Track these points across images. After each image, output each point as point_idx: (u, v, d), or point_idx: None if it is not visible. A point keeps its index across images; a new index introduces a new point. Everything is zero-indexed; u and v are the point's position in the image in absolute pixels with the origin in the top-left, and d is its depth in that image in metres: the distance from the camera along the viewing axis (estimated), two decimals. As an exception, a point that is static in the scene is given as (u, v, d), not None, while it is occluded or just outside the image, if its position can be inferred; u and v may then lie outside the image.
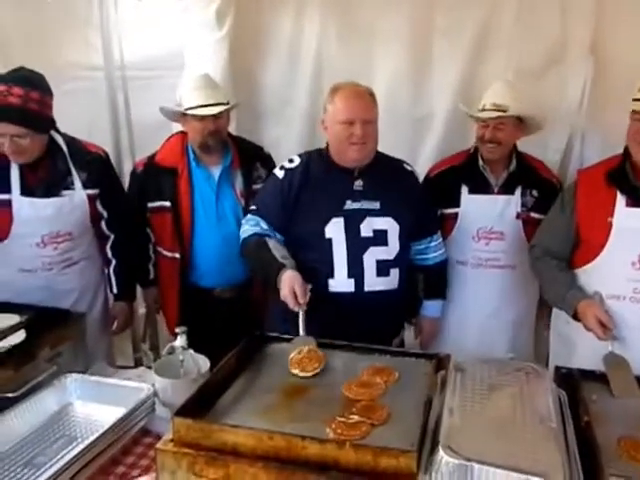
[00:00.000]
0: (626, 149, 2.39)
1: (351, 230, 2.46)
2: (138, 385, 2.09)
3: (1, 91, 2.39)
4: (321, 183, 2.50)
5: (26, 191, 2.59)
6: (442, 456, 1.47)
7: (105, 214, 2.84)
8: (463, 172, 2.95)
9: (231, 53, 3.42)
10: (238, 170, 3.01)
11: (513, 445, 1.54)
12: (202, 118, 2.83)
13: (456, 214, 2.94)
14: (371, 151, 2.48)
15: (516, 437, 1.58)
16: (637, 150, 2.31)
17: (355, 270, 2.46)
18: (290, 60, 3.50)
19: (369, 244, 2.47)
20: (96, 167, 2.76)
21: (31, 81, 2.46)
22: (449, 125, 3.35)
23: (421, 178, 2.98)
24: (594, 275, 2.42)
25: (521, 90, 2.91)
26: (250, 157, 3.05)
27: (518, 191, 2.90)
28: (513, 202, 2.90)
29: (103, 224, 2.87)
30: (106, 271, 2.94)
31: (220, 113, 2.85)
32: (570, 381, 1.99)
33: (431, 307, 2.86)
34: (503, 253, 2.93)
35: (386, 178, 2.55)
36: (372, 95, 2.47)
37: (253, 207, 2.59)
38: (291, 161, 2.57)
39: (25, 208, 2.58)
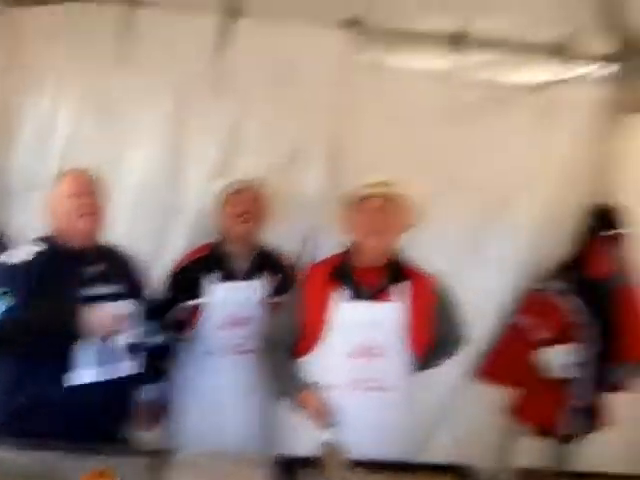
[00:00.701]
0: (350, 247, 2.63)
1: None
2: None
3: None
4: (57, 272, 2.44)
5: None
6: None
7: None
8: (208, 263, 3.03)
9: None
10: None
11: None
12: None
13: (202, 305, 3.00)
14: (99, 221, 2.54)
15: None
16: (367, 238, 2.55)
17: (105, 358, 2.45)
18: (39, 142, 3.41)
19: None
20: None
21: None
22: (198, 220, 3.41)
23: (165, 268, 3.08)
24: (314, 364, 2.58)
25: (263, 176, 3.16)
26: None
27: (262, 277, 3.05)
28: (258, 288, 3.04)
29: None
30: None
31: None
32: (290, 469, 2.14)
33: (151, 390, 2.85)
34: (248, 339, 2.98)
35: (116, 262, 2.62)
36: (96, 179, 2.58)
37: None
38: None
39: None
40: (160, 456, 2.08)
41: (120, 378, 2.49)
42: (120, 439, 2.58)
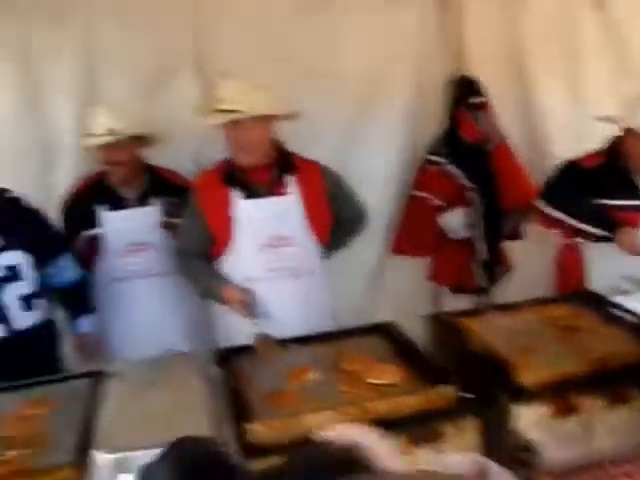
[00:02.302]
0: None
1: None
2: None
3: None
4: None
5: None
6: (96, 455, 1.55)
7: None
8: (96, 193, 3.01)
9: None
10: None
11: (166, 427, 1.66)
12: None
13: (99, 234, 2.99)
14: None
15: (170, 421, 1.71)
16: (237, 155, 2.58)
17: (0, 312, 2.40)
18: None
19: (4, 283, 2.43)
20: None
21: None
22: (80, 152, 3.27)
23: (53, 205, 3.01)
24: (231, 263, 2.64)
25: (131, 109, 3.05)
26: None
27: (155, 201, 3.04)
28: (152, 212, 3.03)
29: None
30: None
31: None
32: (227, 358, 2.19)
33: (83, 323, 2.83)
34: (155, 262, 3.03)
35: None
36: None
37: None
38: None
39: None
40: (92, 376, 2.09)
41: (24, 330, 2.46)
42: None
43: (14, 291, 2.44)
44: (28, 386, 2.12)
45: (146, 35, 3.27)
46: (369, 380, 1.93)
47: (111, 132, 2.85)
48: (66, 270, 2.74)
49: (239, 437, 1.68)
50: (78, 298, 2.83)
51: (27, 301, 2.47)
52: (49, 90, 3.30)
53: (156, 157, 3.16)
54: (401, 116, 3.57)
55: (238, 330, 2.57)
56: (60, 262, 2.72)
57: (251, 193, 2.61)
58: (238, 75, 2.65)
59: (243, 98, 2.48)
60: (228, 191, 2.61)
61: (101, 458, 1.55)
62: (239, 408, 1.81)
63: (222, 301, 2.61)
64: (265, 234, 2.60)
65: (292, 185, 2.62)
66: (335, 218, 2.71)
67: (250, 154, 2.55)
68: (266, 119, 2.52)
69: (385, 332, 2.31)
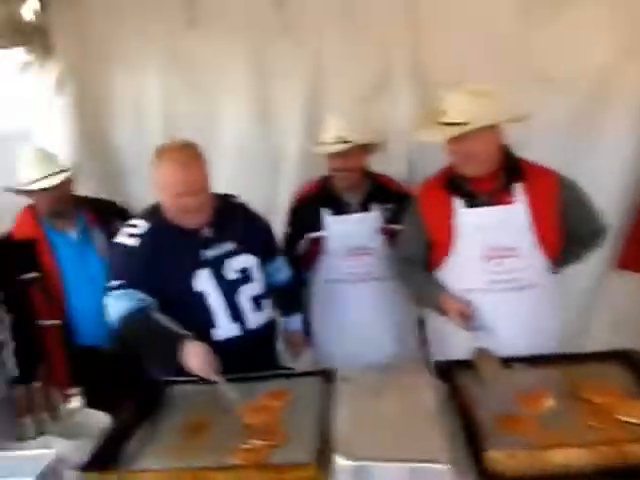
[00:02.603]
0: None
1: (218, 277, 2.48)
2: (41, 452, 2.08)
3: None
4: (172, 240, 2.44)
5: None
6: (338, 461, 1.60)
7: (2, 296, 2.85)
8: (322, 197, 3.11)
9: (79, 119, 3.51)
10: (96, 228, 3.07)
11: (402, 440, 1.70)
12: (44, 190, 2.89)
13: (323, 237, 3.09)
14: (206, 213, 2.46)
15: (404, 432, 1.74)
16: (456, 165, 2.52)
17: (236, 314, 2.50)
18: (137, 119, 3.60)
19: (238, 285, 2.53)
20: None
21: None
22: (302, 158, 3.51)
23: (284, 212, 3.20)
24: (450, 273, 2.60)
25: (356, 118, 3.09)
26: (105, 213, 3.12)
27: (376, 207, 3.09)
28: (373, 218, 3.08)
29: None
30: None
31: (60, 182, 2.92)
32: (449, 372, 2.16)
33: (293, 321, 2.97)
34: (373, 266, 3.10)
35: (226, 217, 2.57)
36: (198, 157, 2.39)
37: (116, 283, 2.39)
38: (136, 226, 2.47)
39: None
40: (323, 375, 2.17)
41: (255, 329, 2.56)
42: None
43: (247, 292, 2.55)
44: (266, 378, 2.25)
45: (366, 48, 3.39)
46: (619, 417, 1.80)
47: (342, 140, 2.93)
48: (280, 270, 2.87)
49: (476, 462, 1.65)
50: (290, 297, 2.96)
51: (257, 301, 2.58)
52: (278, 103, 3.52)
53: (372, 164, 3.20)
54: (636, 119, 3.34)
55: (454, 342, 2.56)
56: (276, 263, 2.85)
57: (474, 201, 2.54)
58: (460, 83, 2.54)
59: (467, 108, 2.39)
60: (450, 199, 2.56)
61: (342, 464, 1.60)
62: (472, 430, 1.78)
63: (440, 311, 2.58)
64: (487, 244, 2.51)
65: (520, 193, 2.50)
66: (572, 231, 2.55)
67: (477, 166, 2.47)
68: (492, 128, 2.42)
69: (624, 359, 2.16)
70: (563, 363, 2.21)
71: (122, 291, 2.36)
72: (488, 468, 1.62)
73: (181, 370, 2.19)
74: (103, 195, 3.39)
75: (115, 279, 2.41)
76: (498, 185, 2.52)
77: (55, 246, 3.02)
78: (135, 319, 2.30)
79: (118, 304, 2.35)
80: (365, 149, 3.03)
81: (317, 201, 3.11)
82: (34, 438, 2.60)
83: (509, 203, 2.51)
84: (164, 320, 2.29)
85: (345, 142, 2.93)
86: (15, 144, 3.42)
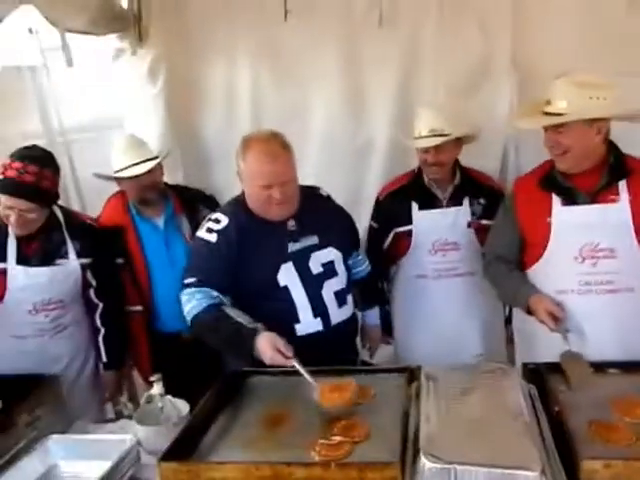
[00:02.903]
0: None
1: (302, 271, 2.43)
2: (120, 437, 2.09)
3: (17, 168, 2.50)
4: (256, 234, 2.40)
5: (22, 260, 2.65)
6: (424, 463, 1.53)
7: (94, 283, 2.89)
8: (411, 190, 3.06)
9: (169, 107, 3.51)
10: (182, 215, 3.10)
11: (490, 443, 1.61)
12: (134, 177, 2.93)
13: (410, 231, 3.04)
14: (294, 203, 2.42)
15: (492, 435, 1.65)
16: (553, 159, 2.41)
17: (319, 309, 2.45)
18: (227, 108, 3.58)
19: (323, 279, 2.48)
20: (89, 237, 2.84)
21: (44, 160, 2.58)
22: (390, 150, 3.44)
23: (368, 201, 3.13)
24: (542, 273, 2.50)
25: (451, 110, 3.03)
26: (192, 201, 3.15)
27: (466, 201, 3.01)
28: (462, 213, 3.01)
29: (92, 293, 2.91)
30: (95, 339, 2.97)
31: (149, 170, 2.96)
32: (538, 375, 2.06)
33: (372, 315, 2.92)
34: (460, 262, 3.04)
35: (312, 211, 2.51)
36: (286, 148, 2.35)
37: (191, 280, 2.38)
38: (217, 221, 2.43)
39: (19, 276, 2.64)
40: (407, 372, 2.10)
41: (338, 325, 2.51)
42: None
43: (331, 287, 2.50)
44: (347, 373, 2.19)
45: (464, 36, 3.29)
46: None
47: (436, 133, 2.87)
48: (360, 264, 2.82)
49: (569, 471, 1.56)
50: (369, 291, 2.91)
51: (341, 296, 2.53)
52: (370, 93, 3.46)
53: (465, 158, 3.12)
54: None
55: (541, 344, 2.47)
56: (358, 256, 2.82)
57: (573, 199, 2.41)
58: (565, 73, 2.42)
59: (571, 99, 2.27)
60: (547, 196, 2.44)
61: (428, 466, 1.53)
62: (564, 437, 1.68)
63: (529, 311, 2.46)
64: (584, 244, 2.39)
65: (624, 192, 2.36)
66: None
67: (572, 161, 2.35)
68: (593, 122, 2.28)
69: None
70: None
71: (196, 289, 2.35)
72: (582, 478, 1.53)
73: (259, 362, 2.17)
74: (190, 184, 3.41)
75: (191, 275, 2.39)
76: (600, 182, 2.38)
77: (142, 233, 3.07)
78: (208, 317, 2.29)
79: (191, 302, 2.34)
80: (459, 142, 2.96)
81: (406, 194, 3.05)
82: (114, 421, 2.64)
83: (611, 202, 2.37)
84: (236, 315, 2.25)
85: (439, 135, 2.86)
86: (109, 132, 3.51)
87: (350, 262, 2.72)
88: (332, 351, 2.38)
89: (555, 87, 2.34)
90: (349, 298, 2.59)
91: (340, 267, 2.54)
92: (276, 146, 2.33)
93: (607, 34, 3.09)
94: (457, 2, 3.29)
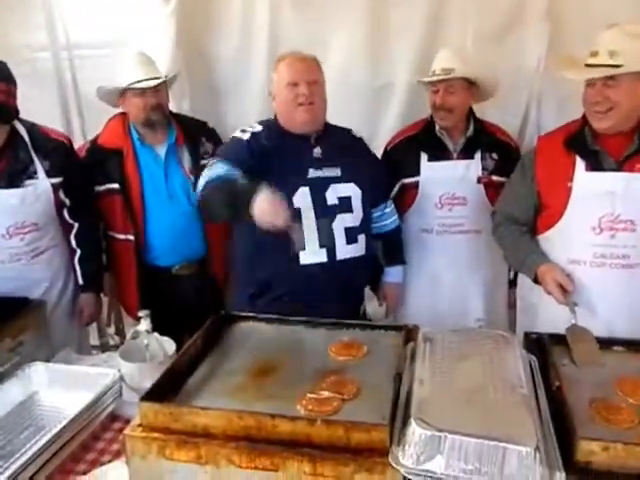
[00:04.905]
0: (585, 114, 2.36)
1: (318, 199, 2.43)
2: (104, 371, 2.06)
3: None
4: (282, 152, 2.44)
5: None
6: (414, 428, 1.46)
7: (68, 202, 2.82)
8: (420, 140, 2.95)
9: (181, 29, 3.36)
10: (184, 146, 3.00)
11: (485, 413, 1.53)
12: (143, 92, 2.83)
13: (417, 183, 2.93)
14: (320, 112, 2.48)
15: (487, 405, 1.57)
16: (592, 117, 2.28)
17: (326, 239, 2.42)
18: (243, 33, 3.43)
19: (336, 212, 2.45)
20: (59, 155, 2.74)
21: None
22: (409, 95, 3.32)
23: (381, 148, 3.01)
24: (556, 240, 2.41)
25: (472, 54, 2.94)
26: (194, 132, 3.05)
27: (477, 155, 2.90)
28: (473, 166, 2.90)
29: (66, 213, 2.84)
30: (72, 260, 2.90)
31: (159, 85, 2.86)
32: (540, 346, 1.98)
33: (393, 273, 2.87)
34: (467, 218, 2.95)
35: (341, 145, 2.55)
36: (316, 60, 2.50)
37: (218, 156, 2.47)
38: (252, 126, 2.52)
39: None
40: (404, 331, 2.02)
41: (343, 261, 2.47)
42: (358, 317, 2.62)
43: (343, 221, 2.46)
44: (341, 326, 2.11)
45: None
46: None
47: (447, 72, 2.76)
48: (387, 217, 2.76)
49: (564, 450, 1.48)
50: (395, 247, 2.84)
51: (352, 233, 2.48)
52: (393, 31, 3.30)
53: (487, 111, 3.02)
54: None
55: (548, 315, 2.40)
56: (386, 208, 2.75)
57: (598, 164, 2.30)
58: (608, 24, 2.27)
59: (622, 49, 2.13)
60: (571, 159, 2.33)
61: (418, 432, 1.46)
62: (563, 414, 1.60)
63: (536, 280, 2.39)
64: (603, 214, 2.30)
65: None
66: None
67: (617, 119, 2.22)
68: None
69: None
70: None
71: (220, 163, 2.37)
72: (578, 459, 1.46)
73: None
74: (197, 113, 3.30)
75: (218, 155, 2.48)
76: (630, 148, 2.27)
77: (141, 159, 2.95)
78: (221, 181, 2.29)
79: (211, 171, 2.36)
80: (471, 87, 2.83)
81: (416, 144, 2.94)
82: (100, 351, 2.60)
83: (638, 171, 2.26)
84: (245, 179, 2.25)
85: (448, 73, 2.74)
86: (116, 50, 3.38)
87: (377, 214, 2.70)
88: (335, 289, 2.40)
89: (605, 37, 2.20)
90: (361, 238, 2.53)
91: (357, 204, 2.51)
92: (307, 55, 2.51)
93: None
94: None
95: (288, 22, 3.37)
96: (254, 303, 2.48)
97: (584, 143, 2.33)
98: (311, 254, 2.41)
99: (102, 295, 3.08)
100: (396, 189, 2.97)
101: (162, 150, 2.96)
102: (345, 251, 2.46)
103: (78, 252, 2.87)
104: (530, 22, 3.15)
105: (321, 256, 2.43)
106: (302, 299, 2.32)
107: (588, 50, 2.25)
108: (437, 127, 2.91)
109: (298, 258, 2.40)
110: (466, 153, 2.91)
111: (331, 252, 2.43)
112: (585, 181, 2.31)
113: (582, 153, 2.32)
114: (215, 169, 2.35)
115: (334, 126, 2.61)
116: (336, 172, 2.48)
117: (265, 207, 2.07)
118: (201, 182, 2.37)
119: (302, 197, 2.41)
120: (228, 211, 2.26)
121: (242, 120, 3.02)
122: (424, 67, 3.07)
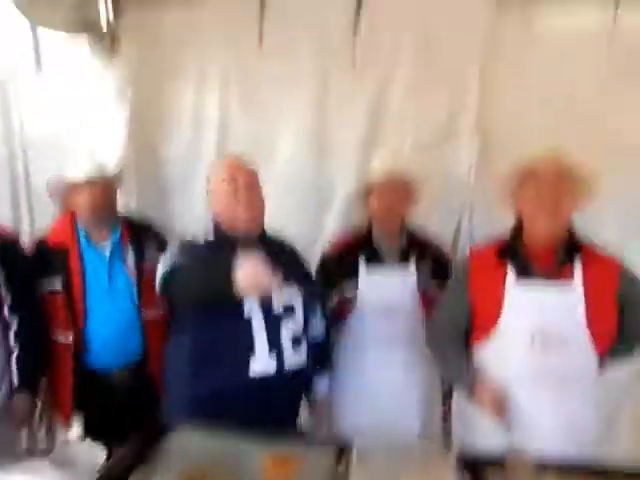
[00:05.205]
0: (517, 224, 2.43)
1: (265, 308, 2.38)
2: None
3: None
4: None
5: None
6: None
7: (9, 299, 2.74)
8: (355, 251, 2.93)
9: (133, 128, 3.43)
10: (128, 245, 2.97)
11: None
12: (92, 186, 2.83)
13: (355, 294, 2.90)
14: (260, 213, 2.46)
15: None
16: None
17: (275, 349, 2.38)
18: (192, 134, 3.51)
19: (281, 320, 2.41)
20: (2, 250, 2.69)
21: None
22: (350, 196, 3.34)
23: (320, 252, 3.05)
24: (490, 351, 2.40)
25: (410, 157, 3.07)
26: (139, 232, 3.03)
27: (412, 266, 2.91)
28: (409, 277, 2.90)
29: (5, 310, 2.74)
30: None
31: (107, 182, 2.90)
32: (475, 468, 1.96)
33: (321, 383, 2.76)
34: (404, 331, 2.88)
35: (278, 250, 2.51)
36: (253, 167, 2.51)
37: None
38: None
39: None
40: (336, 446, 2.00)
41: (290, 371, 2.42)
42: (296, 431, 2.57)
43: (289, 330, 2.43)
44: (276, 439, 2.06)
45: (432, 94, 3.31)
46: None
47: (387, 171, 2.84)
48: (318, 323, 2.70)
49: None
50: (322, 356, 2.75)
51: (297, 342, 2.45)
52: (335, 139, 3.43)
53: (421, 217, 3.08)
54: None
55: (483, 434, 2.38)
56: (316, 313, 2.68)
57: (528, 274, 2.34)
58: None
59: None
60: (502, 271, 2.37)
61: None
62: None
63: (472, 397, 2.38)
64: (534, 328, 2.29)
65: (578, 274, 2.31)
66: (624, 326, 2.34)
67: (552, 216, 2.28)
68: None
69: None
70: (602, 475, 1.98)
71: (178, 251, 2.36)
72: None
73: None
74: (142, 211, 3.31)
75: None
76: (556, 260, 2.33)
77: (86, 257, 2.91)
78: (190, 259, 2.29)
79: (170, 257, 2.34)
80: (407, 191, 2.89)
81: (350, 255, 2.93)
82: (28, 454, 2.49)
83: (565, 284, 2.30)
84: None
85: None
86: (66, 143, 3.39)
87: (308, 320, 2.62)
88: (281, 401, 2.36)
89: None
90: (304, 346, 2.49)
91: (299, 310, 2.48)
92: (244, 161, 2.52)
93: (575, 113, 3.13)
94: (428, 59, 3.30)
95: (236, 119, 3.47)
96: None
97: (515, 254, 2.38)
98: (261, 363, 2.36)
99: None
100: (333, 300, 2.92)
101: (107, 248, 2.93)
102: (292, 361, 2.42)
103: (15, 351, 2.76)
104: (461, 134, 3.33)
105: (270, 366, 2.37)
106: (248, 414, 2.24)
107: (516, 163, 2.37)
108: (374, 233, 2.94)
109: (248, 367, 2.34)
110: (402, 262, 2.92)
111: (280, 361, 2.38)
112: (516, 291, 2.33)
113: (513, 264, 2.36)
114: (174, 255, 2.35)
115: (270, 233, 2.58)
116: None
117: (250, 271, 2.03)
118: (164, 264, 2.34)
119: (251, 307, 2.36)
120: (203, 288, 2.20)
121: (190, 219, 3.03)
122: (365, 174, 3.12)
